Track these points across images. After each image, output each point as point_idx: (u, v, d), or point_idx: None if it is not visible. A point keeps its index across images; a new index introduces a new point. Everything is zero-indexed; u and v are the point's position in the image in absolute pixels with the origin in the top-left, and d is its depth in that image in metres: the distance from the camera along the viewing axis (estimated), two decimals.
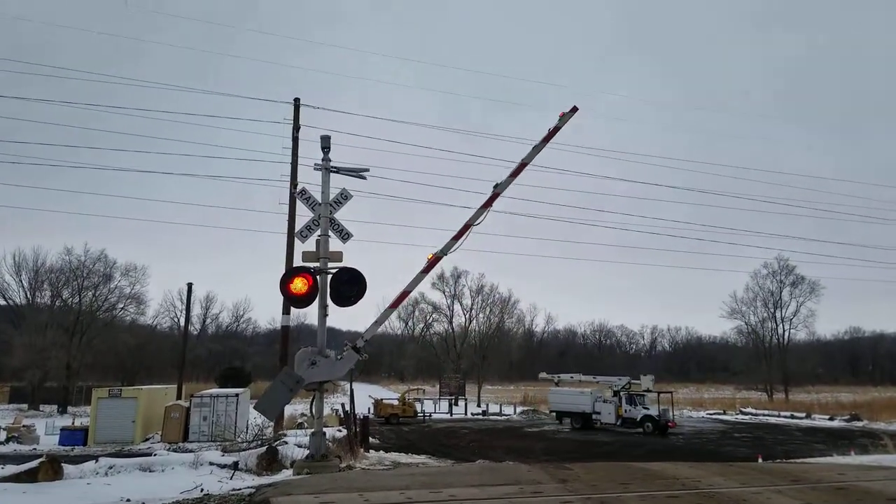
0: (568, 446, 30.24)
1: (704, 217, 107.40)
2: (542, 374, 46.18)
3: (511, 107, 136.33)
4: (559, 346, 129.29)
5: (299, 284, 12.84)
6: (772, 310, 77.83)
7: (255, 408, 12.62)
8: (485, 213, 13.51)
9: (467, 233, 13.43)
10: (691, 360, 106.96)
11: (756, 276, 78.00)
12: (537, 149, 13.87)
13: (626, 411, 37.27)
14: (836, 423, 46.08)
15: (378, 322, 13.31)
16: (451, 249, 13.42)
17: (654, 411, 36.44)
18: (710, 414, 55.60)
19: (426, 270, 13.31)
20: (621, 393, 38.23)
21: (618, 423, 37.38)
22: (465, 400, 56.29)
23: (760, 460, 20.45)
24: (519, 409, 54.11)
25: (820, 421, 48.41)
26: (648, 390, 38.14)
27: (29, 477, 14.30)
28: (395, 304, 13.42)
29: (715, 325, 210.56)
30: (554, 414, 41.36)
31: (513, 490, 7.31)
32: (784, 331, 78.44)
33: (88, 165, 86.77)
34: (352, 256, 14.15)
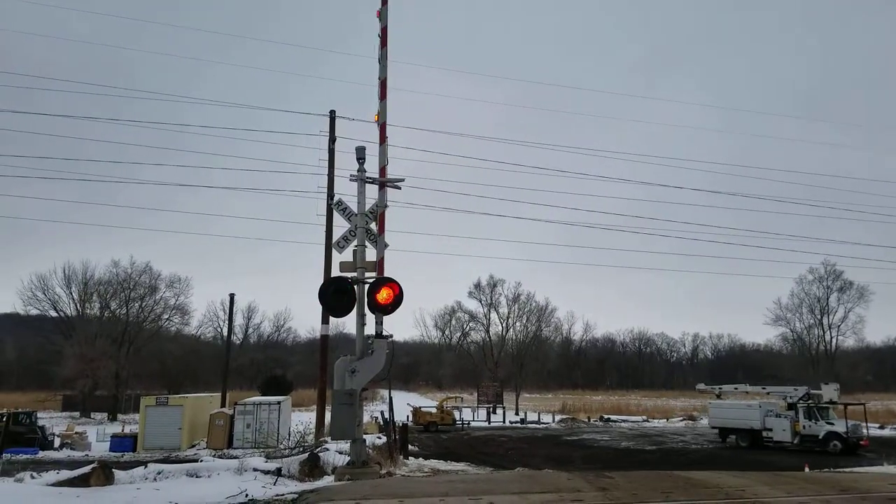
0: (608, 454, 29.86)
1: (747, 222, 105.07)
2: (701, 386, 41.72)
3: (553, 115, 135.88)
4: (598, 354, 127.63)
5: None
6: (818, 316, 75.70)
7: (333, 437, 13.05)
8: (386, 151, 14.46)
9: (387, 178, 14.36)
10: (735, 369, 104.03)
11: (802, 282, 76.03)
12: (383, 59, 14.29)
13: (804, 427, 32.38)
14: (886, 432, 44.42)
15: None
16: (385, 201, 14.45)
17: (840, 427, 31.46)
18: None
19: (381, 230, 14.42)
20: (798, 405, 33.16)
21: (794, 441, 32.45)
22: (503, 408, 56.01)
23: (808, 469, 19.83)
24: (557, 418, 53.61)
25: (870, 430, 46.60)
26: (832, 402, 33.05)
27: (82, 482, 14.82)
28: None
29: (759, 332, 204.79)
30: (716, 431, 36.66)
31: (552, 498, 7.32)
32: (831, 337, 76.14)
33: (129, 180, 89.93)
34: (387, 266, 14.36)
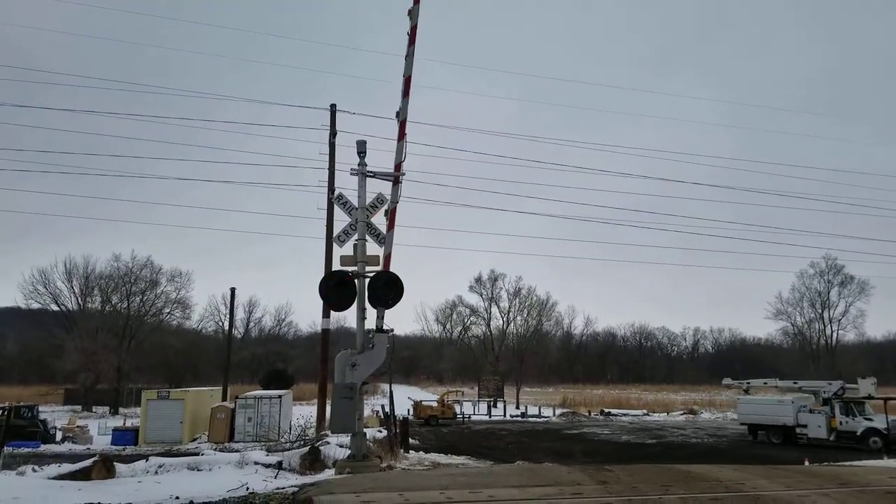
0: (608, 448, 29.93)
1: (749, 216, 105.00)
2: (727, 381, 40.16)
3: (560, 109, 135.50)
4: (598, 348, 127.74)
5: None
6: (819, 310, 75.78)
7: (333, 431, 13.14)
8: (404, 147, 14.34)
9: (400, 174, 14.39)
10: (736, 363, 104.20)
11: (802, 276, 76.06)
12: (410, 56, 14.15)
13: (841, 423, 30.94)
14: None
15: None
16: (397, 197, 14.46)
17: (879, 423, 29.97)
18: None
19: (391, 226, 14.36)
20: (833, 401, 31.69)
21: (830, 438, 30.99)
22: (504, 402, 56.15)
23: (807, 463, 19.87)
24: (558, 412, 53.74)
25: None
26: (870, 396, 31.47)
27: (83, 475, 14.91)
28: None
29: (759, 326, 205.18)
30: (745, 427, 35.39)
31: (552, 491, 7.32)
32: (832, 332, 76.24)
33: (133, 174, 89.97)
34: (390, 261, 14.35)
